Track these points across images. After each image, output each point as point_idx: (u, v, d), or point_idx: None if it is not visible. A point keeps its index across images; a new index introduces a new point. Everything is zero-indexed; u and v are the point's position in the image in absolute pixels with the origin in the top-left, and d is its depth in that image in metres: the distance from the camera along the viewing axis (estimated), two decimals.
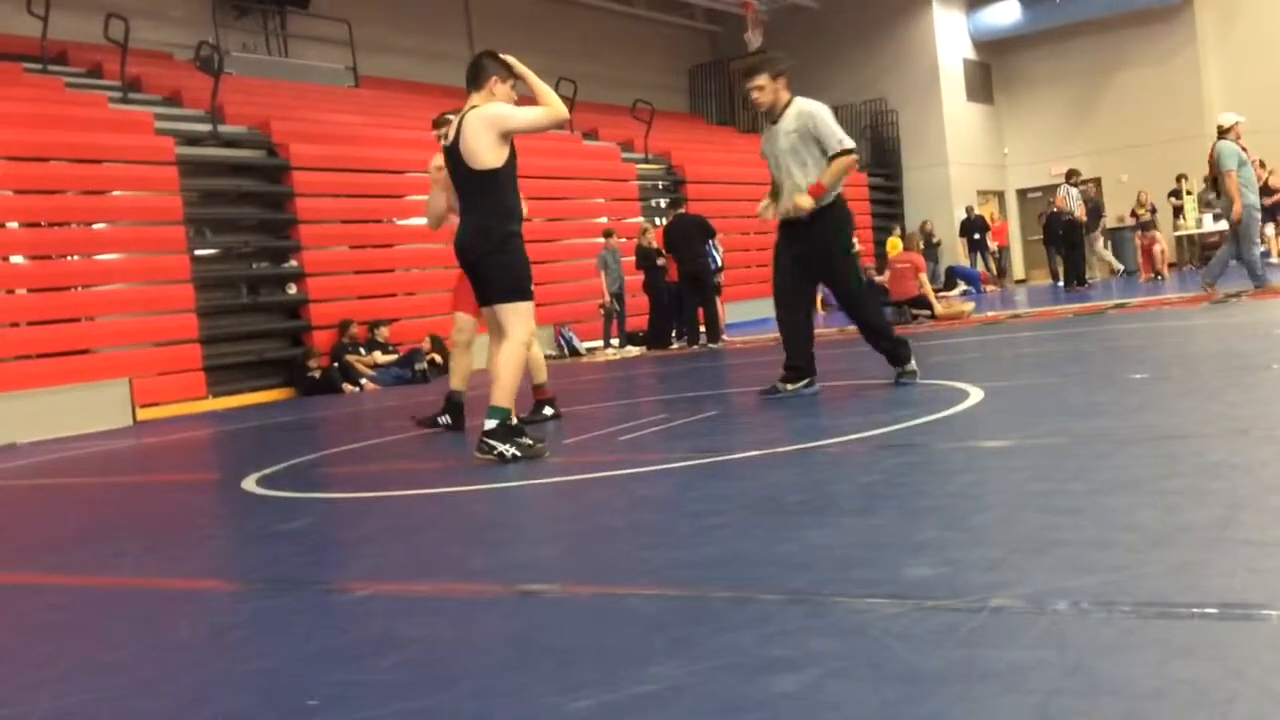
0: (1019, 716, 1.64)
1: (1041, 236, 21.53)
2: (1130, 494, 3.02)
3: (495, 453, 4.97)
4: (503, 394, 5.05)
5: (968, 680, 1.79)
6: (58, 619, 3.08)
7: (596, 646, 2.21)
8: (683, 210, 14.74)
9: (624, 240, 16.24)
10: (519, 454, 4.97)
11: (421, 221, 15.19)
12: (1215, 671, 1.72)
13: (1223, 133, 11.22)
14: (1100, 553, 2.45)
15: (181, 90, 14.65)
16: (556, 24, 23.12)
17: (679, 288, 14.69)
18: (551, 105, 5.03)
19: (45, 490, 6.68)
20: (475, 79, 5.26)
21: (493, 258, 5.15)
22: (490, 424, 5.01)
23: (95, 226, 12.20)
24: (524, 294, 5.19)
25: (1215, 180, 11.36)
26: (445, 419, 6.79)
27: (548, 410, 6.72)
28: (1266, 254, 16.03)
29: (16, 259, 11.57)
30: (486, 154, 5.07)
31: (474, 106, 5.17)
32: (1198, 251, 22.03)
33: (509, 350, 5.10)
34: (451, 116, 5.61)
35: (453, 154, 5.17)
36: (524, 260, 5.22)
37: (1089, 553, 2.46)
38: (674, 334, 15.25)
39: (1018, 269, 26.38)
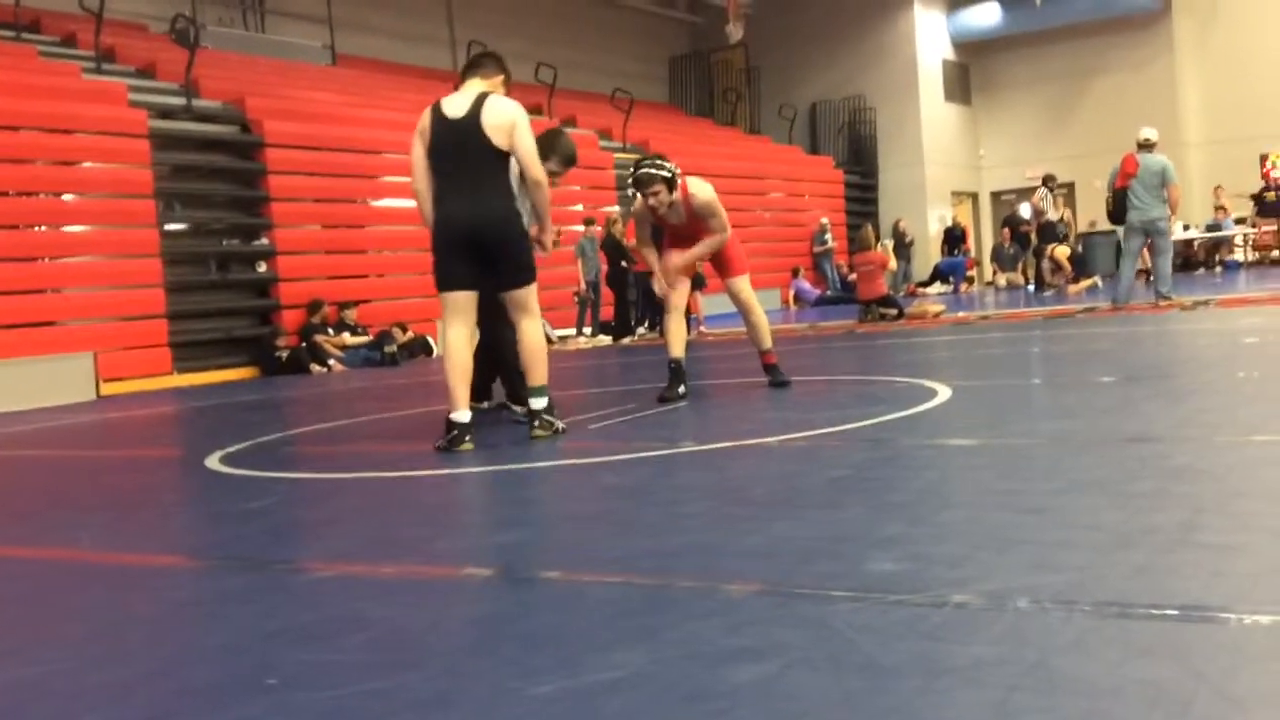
0: (978, 712, 1.65)
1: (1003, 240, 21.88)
2: (1095, 495, 3.04)
3: (554, 429, 5.18)
4: (544, 371, 5.22)
5: (928, 674, 1.80)
6: (14, 591, 3.05)
7: (560, 632, 2.20)
8: None
9: (600, 229, 16.18)
10: (562, 428, 5.22)
11: (395, 203, 15.25)
12: (1174, 672, 1.73)
13: (1152, 147, 11.52)
14: (1063, 552, 2.46)
15: (156, 63, 14.49)
16: (537, 9, 23.03)
17: (648, 277, 14.48)
18: (544, 180, 5.24)
19: (6, 462, 6.60)
20: (489, 68, 5.30)
21: (518, 241, 5.21)
22: (543, 402, 5.21)
23: (64, 197, 12.06)
24: (535, 274, 5.30)
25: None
26: None
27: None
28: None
29: None
30: (505, 139, 5.10)
31: (487, 91, 5.18)
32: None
33: (537, 329, 5.25)
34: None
35: (461, 127, 5.08)
36: None
37: (1052, 552, 2.47)
38: (647, 324, 15.15)
39: (987, 272, 26.51)
